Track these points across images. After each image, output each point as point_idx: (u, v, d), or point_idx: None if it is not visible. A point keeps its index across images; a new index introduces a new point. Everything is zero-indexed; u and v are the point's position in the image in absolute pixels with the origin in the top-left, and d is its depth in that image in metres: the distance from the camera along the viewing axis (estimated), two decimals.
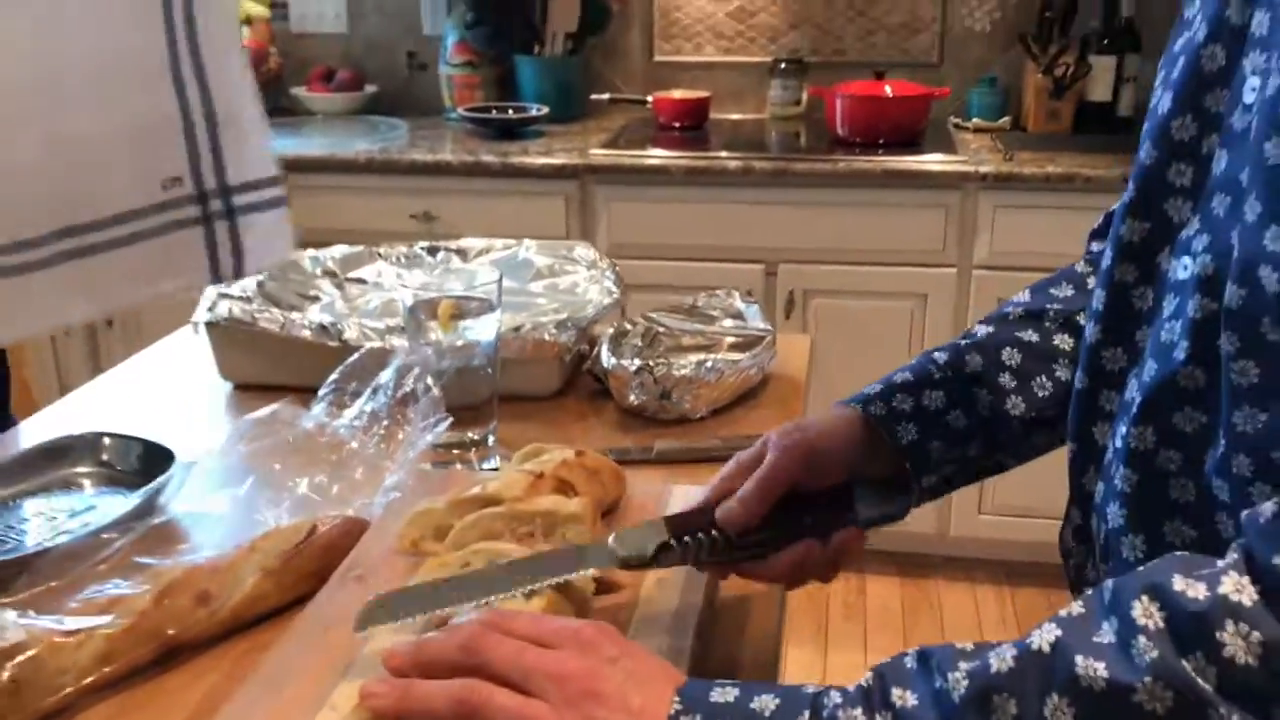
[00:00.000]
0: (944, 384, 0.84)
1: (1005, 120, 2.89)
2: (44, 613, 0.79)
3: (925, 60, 3.01)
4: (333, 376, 1.06)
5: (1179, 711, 0.48)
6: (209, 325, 1.25)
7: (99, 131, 0.75)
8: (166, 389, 1.31)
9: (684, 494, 0.93)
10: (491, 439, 1.13)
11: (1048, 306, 0.86)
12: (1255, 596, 0.49)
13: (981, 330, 0.87)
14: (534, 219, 2.66)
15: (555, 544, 0.82)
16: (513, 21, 3.06)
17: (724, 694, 0.59)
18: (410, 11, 3.22)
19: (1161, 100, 0.68)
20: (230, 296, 1.27)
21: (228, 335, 1.25)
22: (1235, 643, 0.48)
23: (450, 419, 0.99)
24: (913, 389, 0.84)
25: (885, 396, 0.84)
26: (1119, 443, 0.68)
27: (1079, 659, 0.51)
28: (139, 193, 0.78)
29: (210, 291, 1.27)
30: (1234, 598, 0.49)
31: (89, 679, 0.75)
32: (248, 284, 1.32)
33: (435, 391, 0.99)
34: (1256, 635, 0.48)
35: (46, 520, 0.99)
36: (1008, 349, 0.84)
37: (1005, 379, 0.83)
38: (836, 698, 0.57)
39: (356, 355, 1.07)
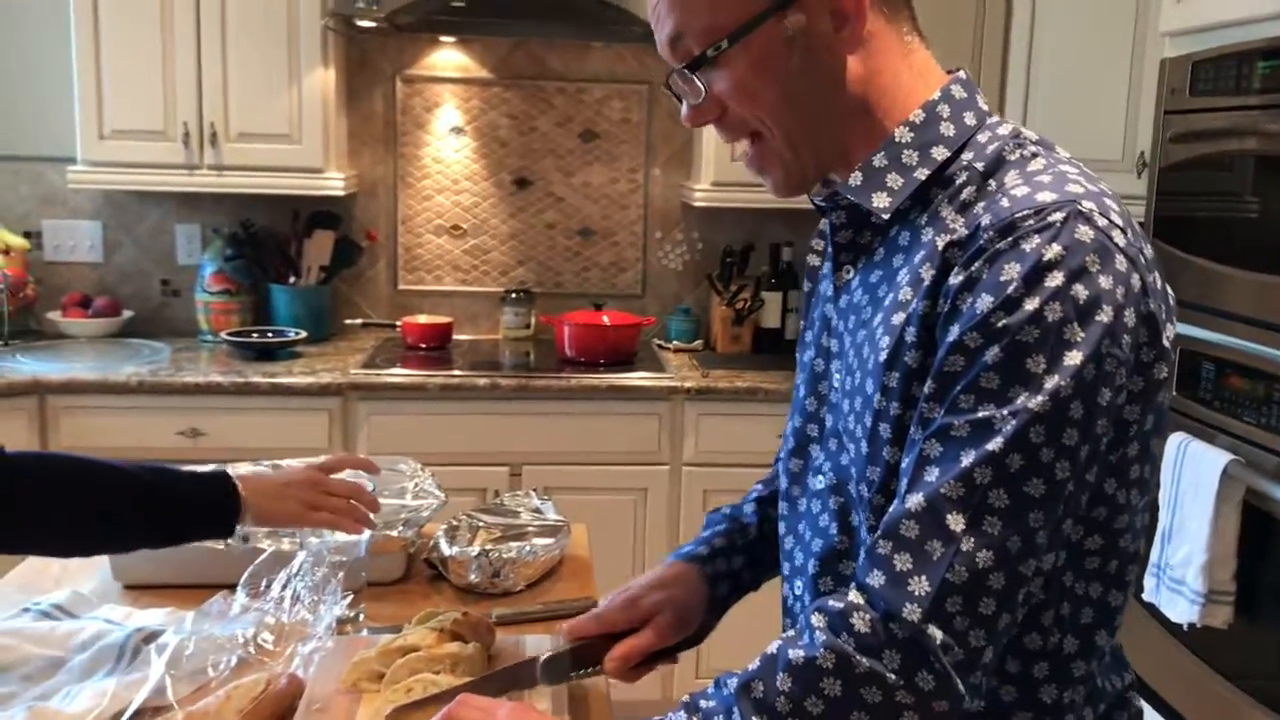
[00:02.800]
0: (743, 550, 1.29)
1: (698, 343, 3.50)
2: None
3: (631, 293, 3.61)
4: (248, 572, 1.36)
5: (839, 663, 0.88)
6: None
7: None
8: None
9: (536, 642, 1.31)
10: (362, 615, 1.45)
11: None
12: (862, 599, 0.90)
13: (749, 507, 1.33)
14: (297, 433, 2.95)
15: (458, 677, 1.17)
16: (269, 255, 3.40)
17: None
18: (165, 244, 3.49)
19: (799, 387, 1.16)
20: None
21: None
22: (858, 621, 0.88)
23: (352, 597, 1.33)
24: (727, 554, 1.28)
25: (713, 559, 1.27)
26: (799, 592, 1.12)
27: (789, 651, 0.91)
28: None
29: None
30: (855, 600, 0.91)
31: None
32: None
33: (340, 576, 1.32)
34: (866, 616, 0.89)
35: None
36: (767, 523, 1.30)
37: (767, 541, 1.28)
38: (671, 715, 0.96)
39: (263, 556, 1.38)
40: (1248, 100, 2.13)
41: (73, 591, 1.49)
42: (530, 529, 1.65)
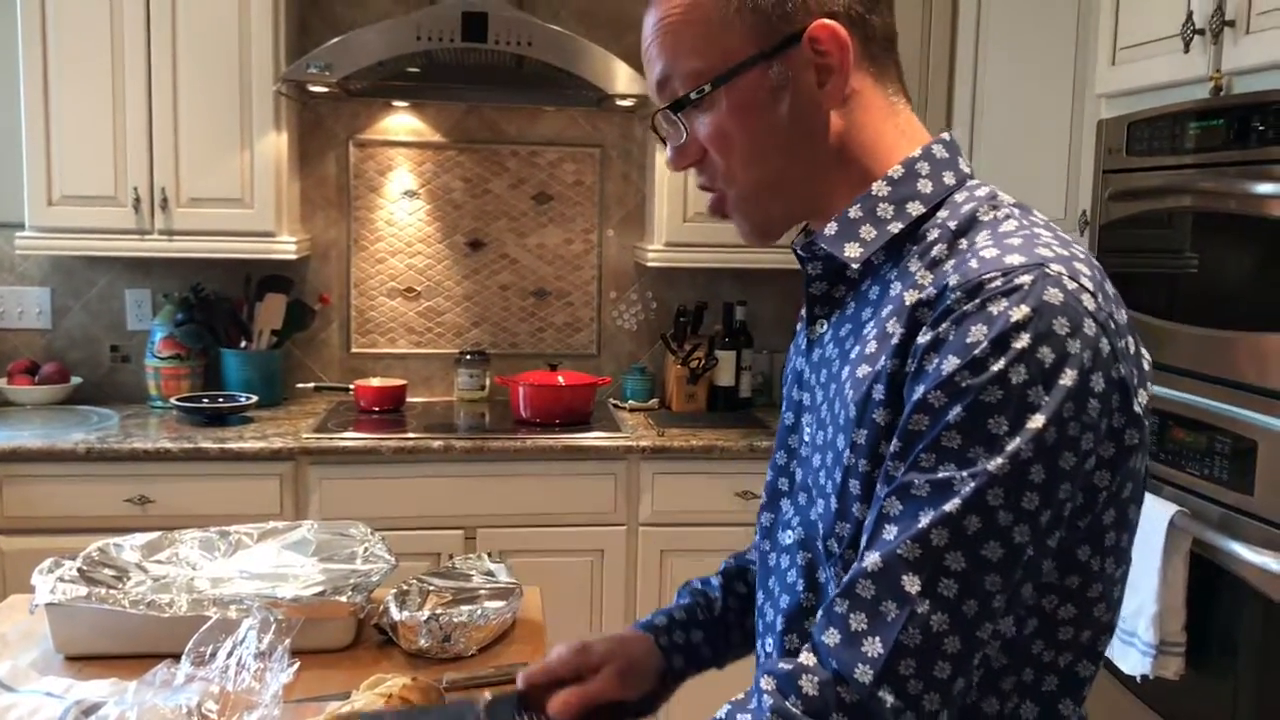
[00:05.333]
0: (703, 625, 1.28)
1: (654, 401, 3.51)
2: None
3: (586, 353, 3.62)
4: (192, 641, 1.33)
5: None
6: (50, 606, 1.47)
7: None
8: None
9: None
10: None
11: (748, 566, 1.33)
12: (814, 659, 0.90)
13: (715, 580, 1.32)
14: (248, 499, 2.91)
15: None
16: (220, 319, 3.38)
17: None
18: (114, 309, 3.46)
19: (777, 445, 1.17)
20: (64, 580, 1.51)
21: (67, 614, 1.48)
22: (806, 684, 0.88)
23: (298, 664, 1.30)
24: (685, 627, 1.27)
25: (670, 630, 1.27)
26: (770, 649, 1.12)
27: (738, 715, 0.91)
28: None
29: (49, 579, 1.50)
30: (806, 662, 0.90)
31: None
32: (68, 571, 1.56)
33: (286, 643, 1.30)
34: (815, 679, 0.89)
35: None
36: (732, 597, 1.30)
37: (730, 618, 1.29)
38: None
39: (208, 624, 1.36)
40: (1182, 159, 2.19)
41: (12, 664, 1.45)
42: (482, 592, 1.63)
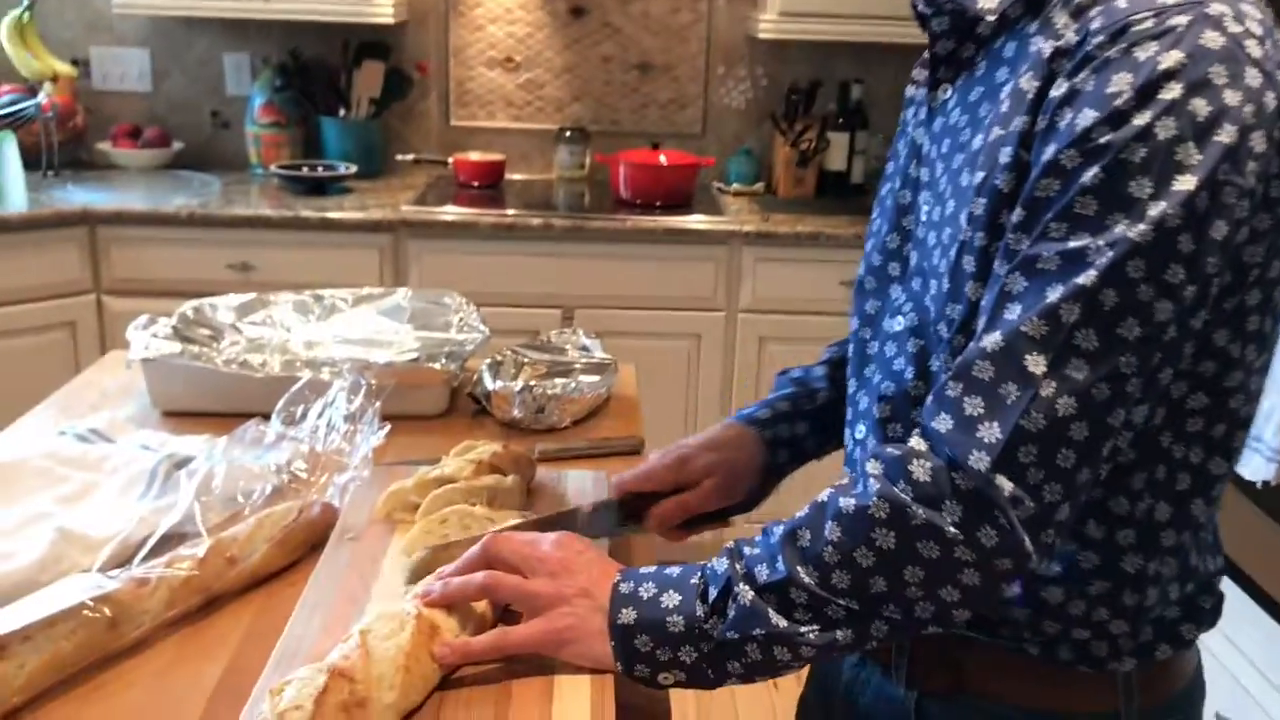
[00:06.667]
0: (807, 416, 1.20)
1: (759, 186, 3.37)
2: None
3: (691, 132, 3.47)
4: (283, 400, 1.31)
5: (892, 514, 0.80)
6: (145, 362, 1.47)
7: None
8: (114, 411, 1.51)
9: (577, 476, 1.26)
10: None
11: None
12: (925, 445, 0.82)
13: (819, 370, 1.23)
14: (348, 269, 2.90)
15: (495, 510, 1.12)
16: (318, 86, 3.31)
17: (646, 569, 0.92)
18: (213, 73, 3.40)
19: (880, 224, 1.05)
20: (158, 338, 1.50)
21: (162, 370, 1.48)
22: (918, 469, 0.81)
23: (388, 427, 1.28)
24: (790, 419, 1.20)
25: (774, 423, 1.19)
26: (861, 437, 1.02)
27: (840, 499, 0.84)
28: None
29: (144, 335, 1.49)
30: (916, 447, 0.82)
31: (160, 618, 1.00)
32: (162, 329, 1.55)
33: (376, 405, 1.28)
34: (927, 464, 0.81)
35: None
36: (837, 387, 1.19)
37: (837, 409, 1.19)
38: (714, 561, 0.91)
39: (300, 384, 1.33)
40: None
41: (110, 416, 1.46)
42: (577, 366, 1.58)
